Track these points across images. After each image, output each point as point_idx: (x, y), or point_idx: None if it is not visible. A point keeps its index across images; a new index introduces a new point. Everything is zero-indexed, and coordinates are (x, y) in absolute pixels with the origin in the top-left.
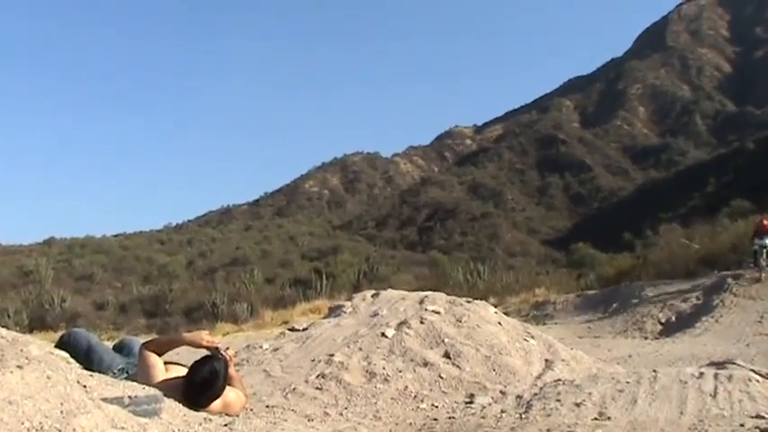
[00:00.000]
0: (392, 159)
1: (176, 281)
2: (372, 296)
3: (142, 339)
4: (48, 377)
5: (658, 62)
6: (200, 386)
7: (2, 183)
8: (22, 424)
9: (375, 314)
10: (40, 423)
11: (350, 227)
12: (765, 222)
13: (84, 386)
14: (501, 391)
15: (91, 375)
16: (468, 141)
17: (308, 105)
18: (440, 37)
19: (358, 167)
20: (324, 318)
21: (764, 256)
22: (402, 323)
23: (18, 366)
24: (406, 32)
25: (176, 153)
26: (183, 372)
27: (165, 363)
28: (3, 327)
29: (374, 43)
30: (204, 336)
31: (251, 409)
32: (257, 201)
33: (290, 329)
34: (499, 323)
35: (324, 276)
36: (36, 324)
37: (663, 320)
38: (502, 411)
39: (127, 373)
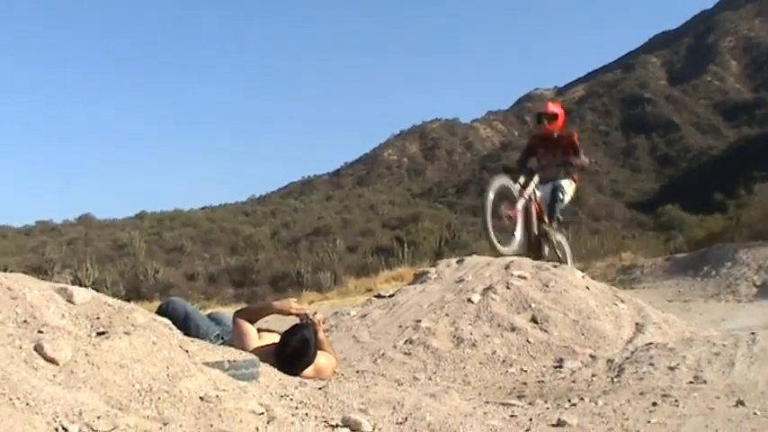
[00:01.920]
0: (471, 125)
1: (261, 251)
2: (457, 262)
3: (230, 312)
4: (153, 342)
5: (752, 12)
6: (292, 356)
7: (96, 161)
8: (133, 386)
9: (460, 280)
10: (149, 385)
11: (430, 194)
12: (551, 108)
13: (187, 351)
14: (591, 356)
15: (192, 341)
16: None
17: (387, 74)
18: None
19: (437, 134)
20: (409, 284)
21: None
22: (488, 288)
23: (126, 333)
24: None
25: (258, 126)
26: (275, 338)
27: (258, 330)
28: None
29: (451, 8)
30: (293, 303)
31: (342, 374)
32: (337, 171)
33: (376, 296)
34: (587, 287)
35: (405, 244)
36: (132, 294)
37: (758, 283)
38: (593, 375)
39: (222, 339)
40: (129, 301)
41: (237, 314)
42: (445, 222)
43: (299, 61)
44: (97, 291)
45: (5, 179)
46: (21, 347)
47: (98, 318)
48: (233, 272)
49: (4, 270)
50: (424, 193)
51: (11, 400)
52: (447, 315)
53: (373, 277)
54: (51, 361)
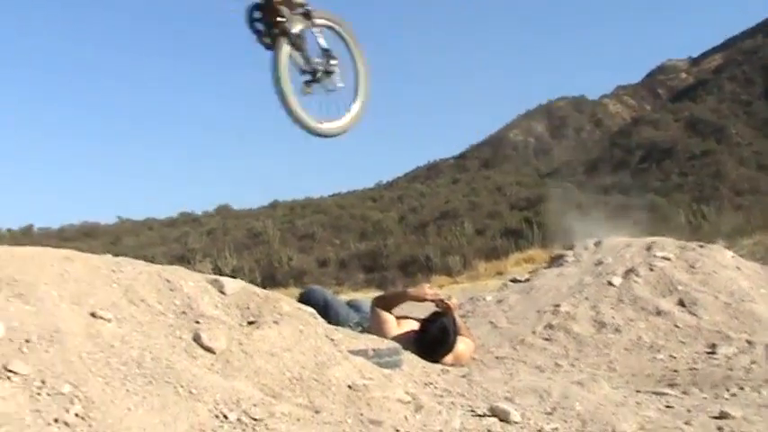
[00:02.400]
0: (600, 101)
1: (390, 236)
2: (595, 244)
3: (368, 298)
4: (300, 331)
5: None
6: (432, 344)
7: (232, 151)
8: (284, 374)
9: (599, 262)
10: (300, 373)
11: (558, 174)
12: None
13: (332, 339)
14: (747, 341)
15: (336, 329)
16: (684, 75)
17: (510, 51)
18: None
19: (564, 112)
20: (545, 268)
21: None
22: (629, 271)
23: (274, 322)
24: None
25: (383, 111)
26: (414, 325)
27: (397, 317)
28: None
29: None
30: (427, 289)
31: (481, 360)
32: (463, 154)
33: (511, 281)
34: (737, 268)
35: (535, 226)
36: (268, 282)
37: None
38: (752, 362)
39: (361, 326)
40: (264, 287)
41: (375, 303)
42: (575, 202)
43: (425, 42)
44: (235, 278)
45: (152, 173)
46: (181, 338)
47: (248, 307)
48: (363, 257)
49: (151, 260)
50: (551, 172)
51: (176, 388)
52: (587, 299)
53: (503, 260)
54: (208, 350)
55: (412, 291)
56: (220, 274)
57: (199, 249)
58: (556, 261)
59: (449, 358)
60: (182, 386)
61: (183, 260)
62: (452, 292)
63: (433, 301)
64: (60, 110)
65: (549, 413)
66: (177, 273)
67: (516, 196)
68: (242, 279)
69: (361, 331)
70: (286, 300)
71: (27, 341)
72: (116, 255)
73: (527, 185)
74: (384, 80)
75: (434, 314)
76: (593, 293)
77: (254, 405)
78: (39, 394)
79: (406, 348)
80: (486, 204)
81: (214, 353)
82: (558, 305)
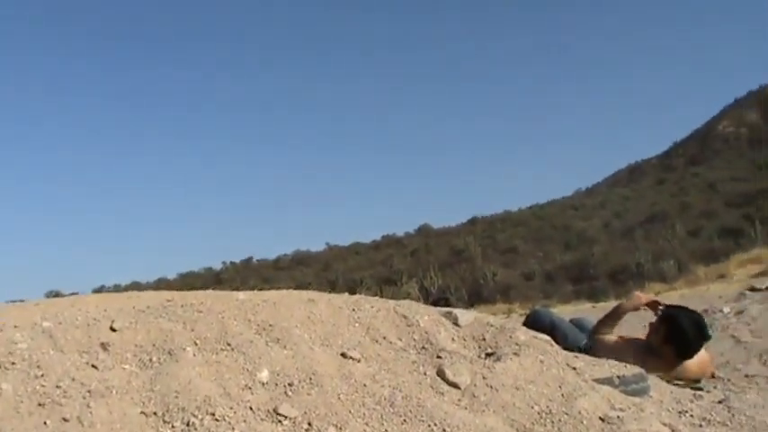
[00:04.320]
0: None
1: (596, 245)
2: None
3: (574, 309)
4: (541, 361)
5: None
6: (683, 337)
7: (428, 171)
8: (532, 408)
9: None
10: (548, 407)
11: None
12: None
13: (574, 368)
14: None
15: (575, 357)
16: None
17: (712, 39)
18: None
19: None
20: None
21: None
22: None
23: (514, 353)
24: None
25: (577, 115)
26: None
27: (620, 337)
28: (447, 304)
29: None
30: (640, 295)
31: (729, 380)
32: (667, 152)
33: (749, 289)
34: None
35: (757, 223)
36: (474, 299)
37: None
38: None
39: (590, 347)
40: (472, 305)
41: (595, 333)
42: None
43: (619, 33)
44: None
45: (354, 199)
46: (425, 374)
47: (483, 338)
48: (569, 268)
49: (360, 283)
50: None
51: (430, 426)
52: None
53: (725, 262)
54: (454, 385)
55: (625, 303)
56: (427, 294)
57: (404, 270)
58: None
59: (693, 365)
60: (435, 424)
61: (390, 282)
62: (670, 299)
63: (647, 305)
64: (261, 150)
65: None
66: (411, 307)
67: (732, 192)
68: (449, 296)
69: (587, 353)
70: (521, 329)
71: (290, 384)
72: (329, 280)
73: (743, 180)
74: (577, 79)
75: (672, 310)
76: None
77: None
78: None
79: (640, 357)
80: (698, 203)
81: (459, 388)
82: None
